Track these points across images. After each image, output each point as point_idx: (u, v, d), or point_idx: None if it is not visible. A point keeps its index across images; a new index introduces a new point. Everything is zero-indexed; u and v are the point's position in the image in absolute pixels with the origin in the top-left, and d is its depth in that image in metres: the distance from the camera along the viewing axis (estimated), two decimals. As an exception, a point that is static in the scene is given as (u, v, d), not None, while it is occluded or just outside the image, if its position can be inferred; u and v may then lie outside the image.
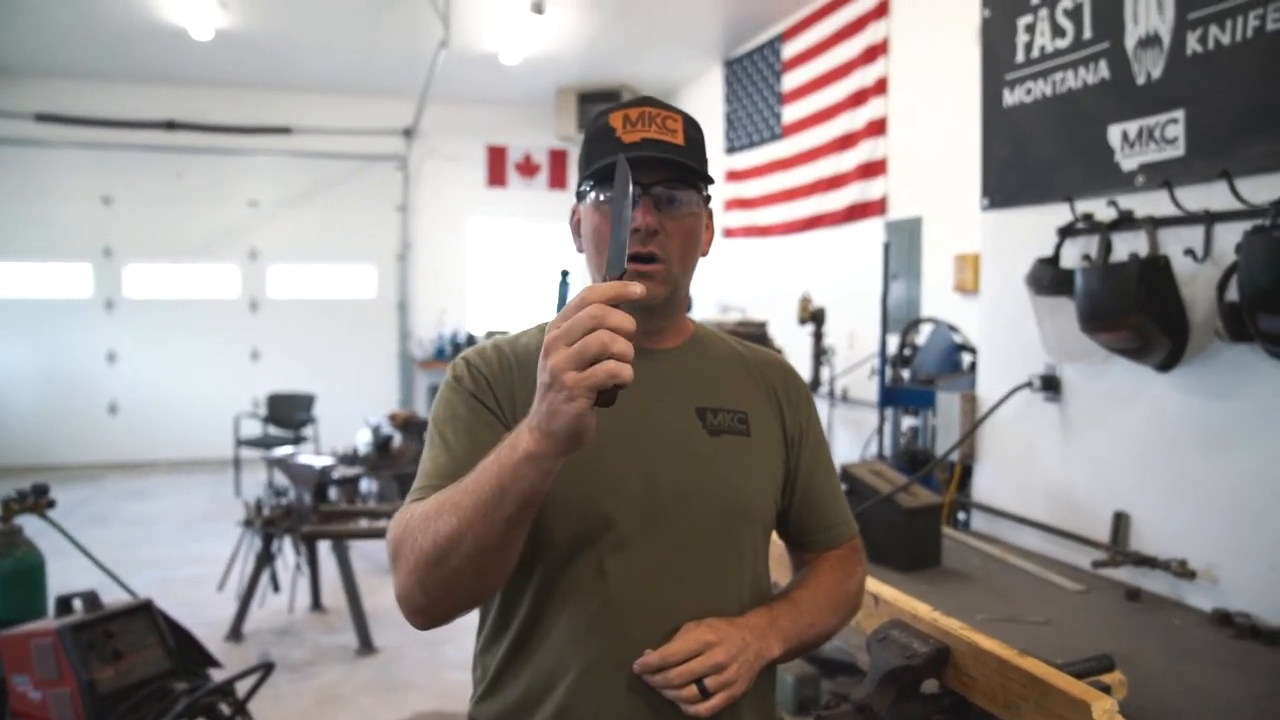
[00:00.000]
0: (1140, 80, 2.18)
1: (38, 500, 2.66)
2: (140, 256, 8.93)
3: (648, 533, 1.12)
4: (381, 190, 9.58)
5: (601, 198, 1.14)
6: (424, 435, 1.20)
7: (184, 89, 8.75)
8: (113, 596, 2.60)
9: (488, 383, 1.16)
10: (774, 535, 1.33)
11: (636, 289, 0.89)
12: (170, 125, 8.77)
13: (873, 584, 1.40)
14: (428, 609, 1.04)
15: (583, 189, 1.19)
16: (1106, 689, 1.39)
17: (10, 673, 2.37)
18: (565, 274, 1.59)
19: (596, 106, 9.21)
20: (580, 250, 1.23)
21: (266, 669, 2.36)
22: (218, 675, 2.50)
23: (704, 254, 1.24)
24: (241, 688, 2.45)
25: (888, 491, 2.39)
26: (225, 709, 2.40)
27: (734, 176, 7.85)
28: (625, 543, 1.11)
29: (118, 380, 8.91)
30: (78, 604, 2.43)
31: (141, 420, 8.88)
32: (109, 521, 6.61)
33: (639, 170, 1.10)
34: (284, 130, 9.08)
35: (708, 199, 1.22)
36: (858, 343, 5.63)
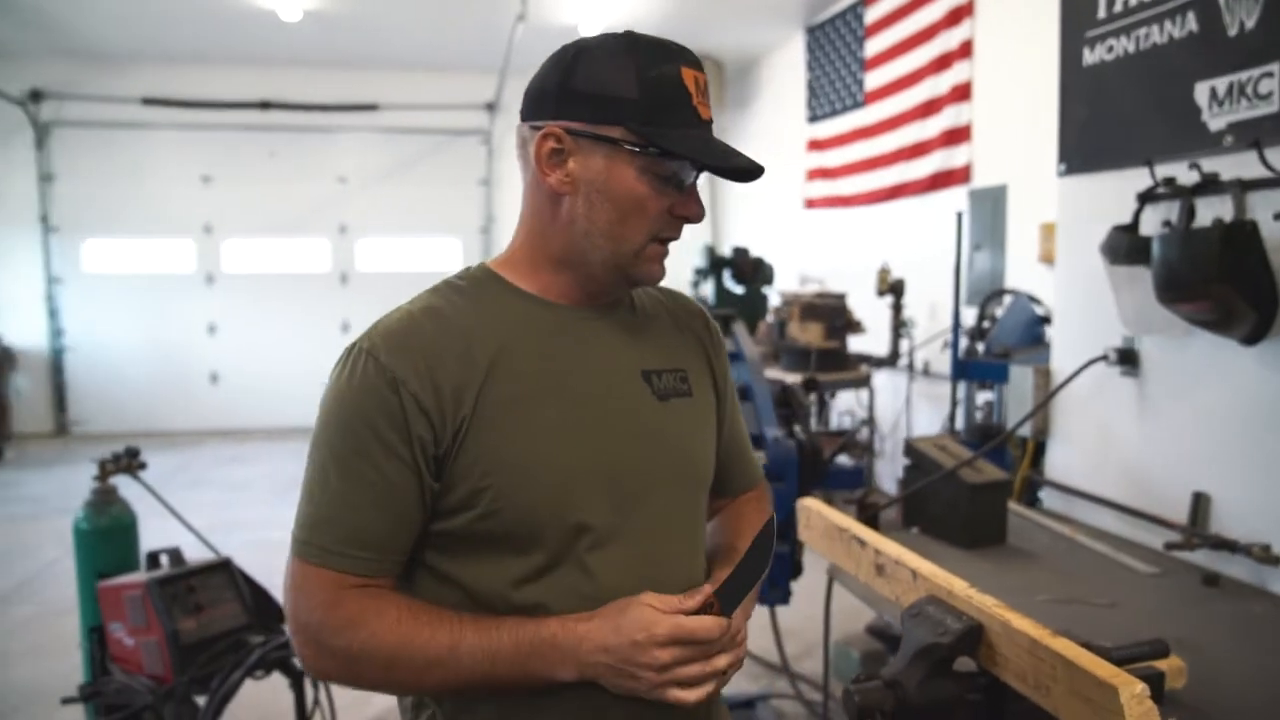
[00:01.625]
0: (1232, 32, 2.04)
1: (130, 462, 2.82)
2: (237, 232, 9.34)
3: (622, 521, 1.06)
4: (465, 164, 9.74)
5: (663, 170, 1.01)
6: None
7: (276, 70, 9.05)
8: (204, 555, 2.75)
9: (417, 405, 0.97)
10: None
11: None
12: (264, 105, 9.09)
13: (911, 558, 1.37)
14: (329, 680, 1.05)
15: (622, 139, 0.99)
16: (1160, 676, 1.33)
17: (108, 621, 2.54)
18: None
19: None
20: (560, 191, 1.02)
21: (335, 626, 2.47)
22: (292, 631, 2.62)
23: None
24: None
25: (951, 467, 2.32)
26: (298, 663, 2.51)
27: (815, 146, 7.69)
28: (602, 538, 1.04)
29: (218, 351, 9.36)
30: (164, 559, 2.57)
31: (239, 389, 9.33)
32: (208, 485, 6.98)
33: (704, 150, 1.01)
34: (371, 107, 9.31)
35: None
36: (939, 314, 5.47)
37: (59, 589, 4.47)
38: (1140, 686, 0.94)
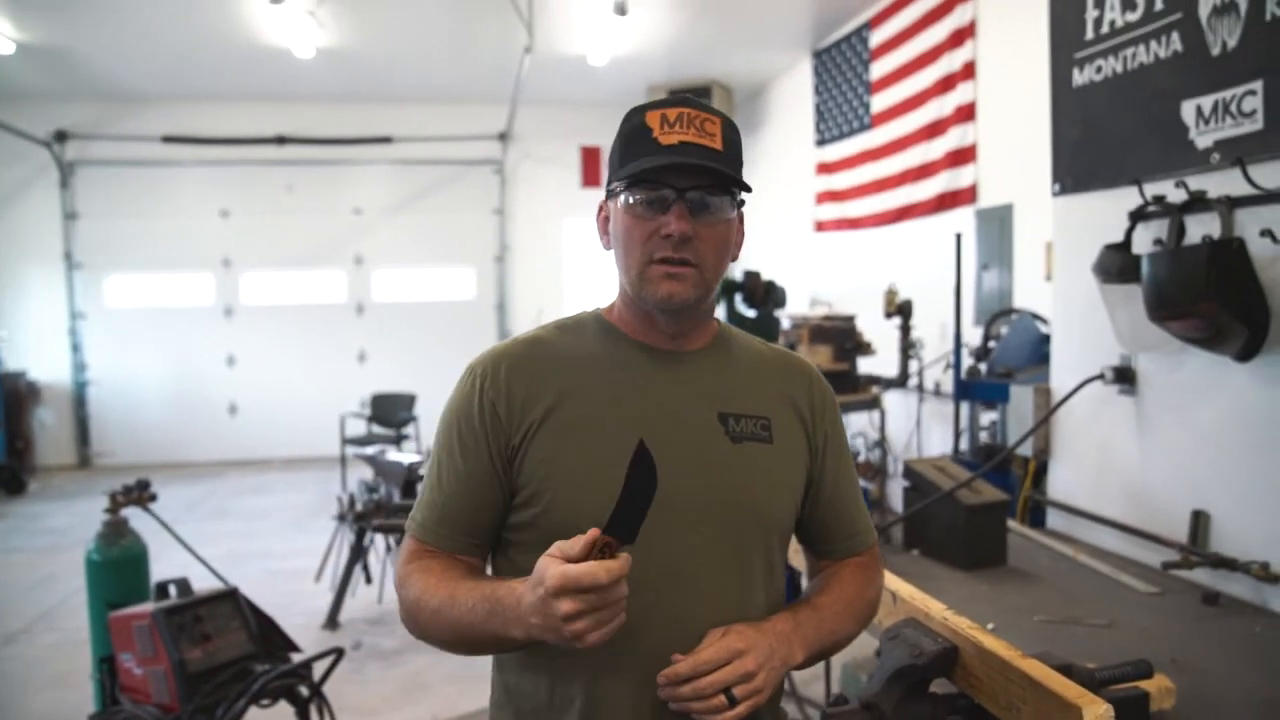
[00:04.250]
0: (1215, 51, 2.06)
1: (140, 494, 2.87)
2: (255, 265, 9.48)
3: (667, 543, 1.10)
4: (479, 194, 9.85)
5: (633, 200, 1.12)
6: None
7: (291, 105, 9.22)
8: (211, 584, 2.79)
9: (492, 404, 1.16)
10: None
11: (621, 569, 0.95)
12: (281, 140, 9.26)
13: (891, 580, 1.38)
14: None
15: (614, 188, 1.16)
16: (1143, 696, 1.33)
17: (118, 650, 2.58)
18: None
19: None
20: (607, 248, 1.21)
21: (338, 654, 2.49)
22: (297, 660, 2.64)
23: (734, 258, 1.23)
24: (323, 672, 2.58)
25: (949, 488, 2.32)
26: (305, 691, 2.53)
27: (824, 169, 7.72)
28: (644, 555, 1.06)
29: (237, 382, 9.48)
30: (172, 590, 2.61)
31: (258, 420, 9.43)
32: (228, 515, 7.04)
33: (675, 175, 1.10)
34: (385, 140, 9.46)
35: (741, 204, 1.19)
36: (949, 335, 5.45)
37: (78, 619, 4.51)
38: (1105, 708, 0.94)
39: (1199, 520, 2.12)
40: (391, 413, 8.27)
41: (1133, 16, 2.29)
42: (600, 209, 1.22)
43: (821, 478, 1.26)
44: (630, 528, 0.95)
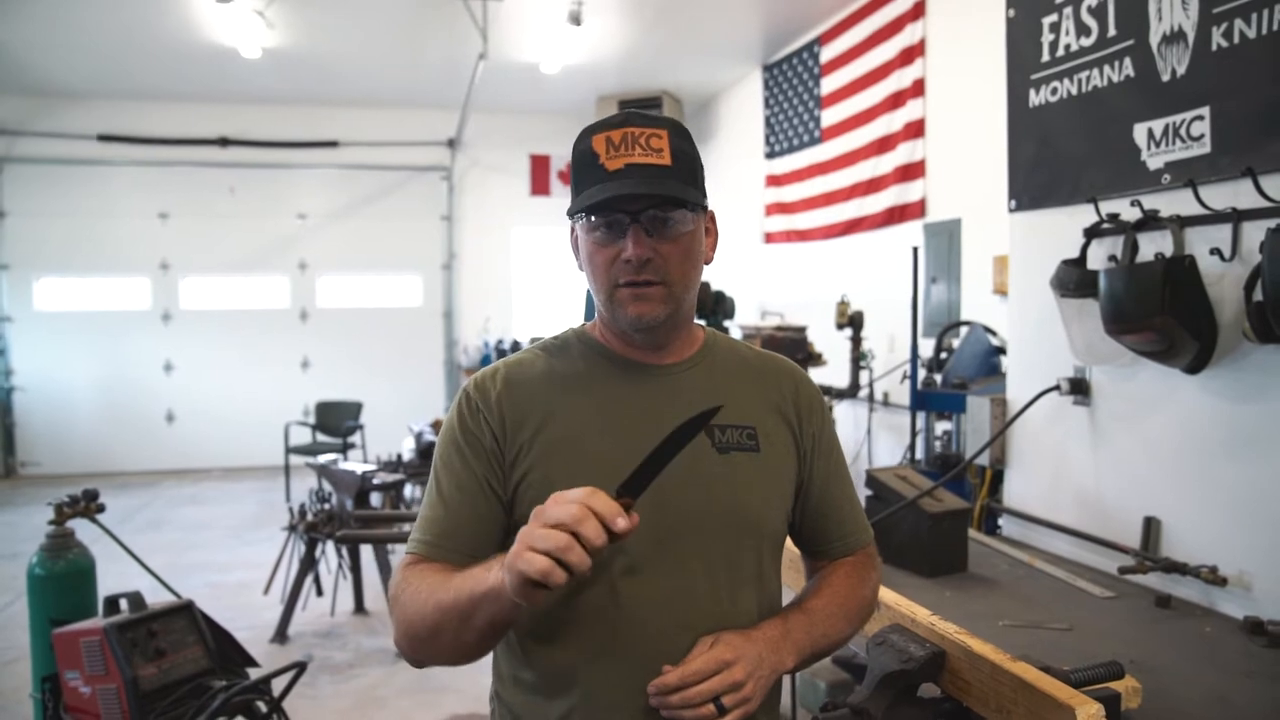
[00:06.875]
0: (1165, 77, 2.15)
1: (88, 505, 2.77)
2: (195, 269, 9.24)
3: (659, 555, 1.13)
4: (427, 201, 9.75)
5: (591, 228, 1.15)
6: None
7: (236, 107, 9.03)
8: (163, 598, 2.70)
9: (486, 423, 1.18)
10: (788, 541, 1.33)
11: (623, 524, 0.92)
12: (223, 142, 9.05)
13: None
14: (418, 661, 1.15)
15: (573, 218, 1.18)
16: (1116, 696, 1.37)
17: (63, 669, 2.48)
18: None
19: (638, 114, 9.33)
20: (581, 269, 1.22)
21: (300, 668, 2.43)
22: (255, 675, 2.58)
23: (707, 261, 1.24)
24: (282, 687, 2.52)
25: (912, 497, 2.37)
26: (263, 707, 2.47)
27: (774, 181, 7.83)
28: (636, 566, 1.12)
29: (174, 389, 9.21)
30: (124, 604, 2.52)
31: (197, 428, 9.17)
32: (165, 526, 6.83)
33: (625, 201, 1.11)
34: (331, 144, 9.31)
35: (704, 209, 1.20)
36: (898, 346, 5.58)
37: (7, 636, 4.35)
38: (1096, 708, 0.97)
39: (1150, 526, 2.21)
40: (337, 421, 8.13)
41: (1087, 41, 2.37)
42: (572, 231, 1.23)
43: (811, 479, 1.28)
44: (637, 487, 0.97)
